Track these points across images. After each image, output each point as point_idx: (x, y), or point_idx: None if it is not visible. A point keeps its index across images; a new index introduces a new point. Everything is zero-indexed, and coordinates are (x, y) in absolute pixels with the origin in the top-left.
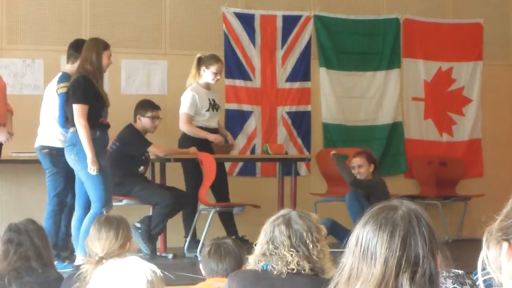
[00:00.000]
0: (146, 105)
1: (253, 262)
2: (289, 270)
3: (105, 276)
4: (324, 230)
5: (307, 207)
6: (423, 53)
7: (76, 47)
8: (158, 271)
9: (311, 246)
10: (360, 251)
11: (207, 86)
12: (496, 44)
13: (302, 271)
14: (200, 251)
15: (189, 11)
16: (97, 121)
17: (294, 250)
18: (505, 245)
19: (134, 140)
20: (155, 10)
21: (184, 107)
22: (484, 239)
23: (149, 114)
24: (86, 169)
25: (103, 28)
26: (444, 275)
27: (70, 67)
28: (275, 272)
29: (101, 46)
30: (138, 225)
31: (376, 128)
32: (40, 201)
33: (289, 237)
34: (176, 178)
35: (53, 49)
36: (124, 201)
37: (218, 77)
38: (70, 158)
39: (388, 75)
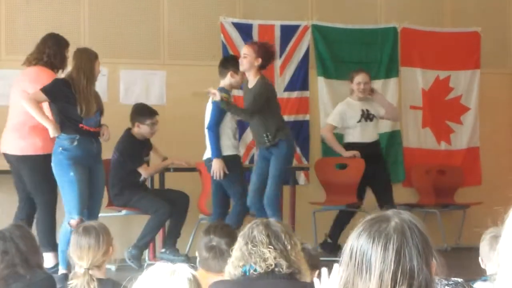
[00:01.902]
0: (144, 112)
1: (232, 266)
2: (267, 266)
3: (149, 282)
4: (297, 240)
5: (305, 216)
6: (421, 62)
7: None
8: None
9: (289, 247)
10: (355, 265)
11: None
12: (493, 52)
13: (280, 269)
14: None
15: (187, 21)
16: (77, 126)
17: (272, 247)
18: None
19: (129, 156)
20: (154, 20)
21: None
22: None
23: (148, 121)
24: (58, 177)
25: (102, 38)
26: (443, 283)
27: (222, 82)
28: (252, 271)
29: (92, 55)
30: None
31: None
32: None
33: (268, 235)
34: (176, 187)
35: None
36: (124, 212)
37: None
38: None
39: (386, 84)
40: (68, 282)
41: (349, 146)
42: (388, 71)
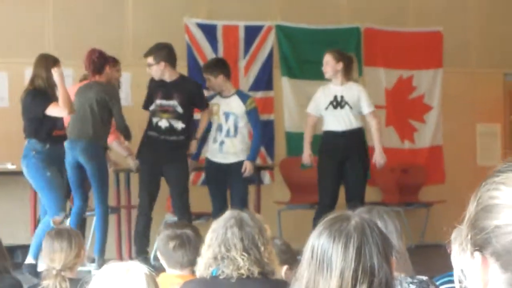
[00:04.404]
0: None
1: (203, 266)
2: (239, 275)
3: (105, 280)
4: (268, 230)
5: (270, 215)
6: (384, 62)
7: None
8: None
9: (262, 249)
10: (316, 263)
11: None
12: (455, 51)
13: (250, 275)
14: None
15: (152, 22)
16: (49, 135)
17: (246, 254)
18: (477, 256)
19: None
20: (118, 22)
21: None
22: (453, 250)
23: None
24: (36, 180)
25: (67, 41)
26: (408, 281)
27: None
28: (223, 276)
29: (50, 62)
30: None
31: None
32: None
33: (242, 239)
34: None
35: (17, 61)
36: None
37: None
38: (24, 170)
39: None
40: (41, 282)
41: (324, 135)
42: None
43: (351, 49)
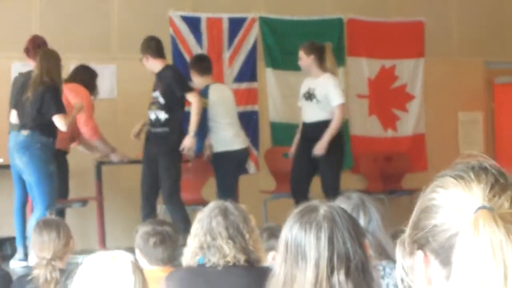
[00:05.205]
0: None
1: (190, 255)
2: (226, 262)
3: (92, 269)
4: (253, 219)
5: (256, 204)
6: (366, 52)
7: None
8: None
9: (247, 236)
10: (291, 257)
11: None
12: (437, 41)
13: (237, 263)
14: None
15: (137, 15)
16: (55, 131)
17: (232, 241)
18: (419, 253)
19: None
20: (104, 15)
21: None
22: (398, 250)
23: None
24: (37, 172)
25: (53, 34)
26: (390, 266)
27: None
28: (209, 265)
29: (60, 61)
30: None
31: None
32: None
33: (227, 228)
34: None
35: (3, 55)
36: None
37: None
38: (22, 161)
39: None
40: (32, 272)
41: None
42: None
43: (334, 40)
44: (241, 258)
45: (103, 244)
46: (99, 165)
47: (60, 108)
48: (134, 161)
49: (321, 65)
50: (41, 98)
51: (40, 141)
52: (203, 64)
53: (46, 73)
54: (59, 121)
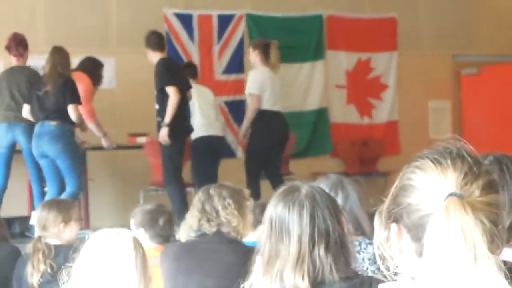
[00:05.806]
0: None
1: (185, 231)
2: (219, 237)
3: (97, 244)
4: (247, 192)
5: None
6: (344, 45)
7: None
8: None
9: (238, 213)
10: (276, 233)
11: None
12: (409, 36)
13: (230, 237)
14: None
15: (134, 12)
16: (73, 122)
17: (226, 218)
18: (394, 226)
19: None
20: (103, 12)
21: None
22: (375, 220)
23: None
24: (72, 158)
25: (57, 30)
26: (366, 242)
27: None
28: (204, 239)
29: (68, 53)
30: None
31: (304, 114)
32: None
33: (223, 206)
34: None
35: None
36: None
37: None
38: (55, 149)
39: (314, 66)
40: (28, 246)
41: None
42: (315, 54)
43: (315, 35)
44: (234, 234)
45: (87, 225)
46: (84, 150)
47: (75, 99)
48: (121, 147)
49: (264, 59)
50: (63, 89)
51: (68, 130)
52: (190, 70)
53: (60, 66)
54: (72, 111)
